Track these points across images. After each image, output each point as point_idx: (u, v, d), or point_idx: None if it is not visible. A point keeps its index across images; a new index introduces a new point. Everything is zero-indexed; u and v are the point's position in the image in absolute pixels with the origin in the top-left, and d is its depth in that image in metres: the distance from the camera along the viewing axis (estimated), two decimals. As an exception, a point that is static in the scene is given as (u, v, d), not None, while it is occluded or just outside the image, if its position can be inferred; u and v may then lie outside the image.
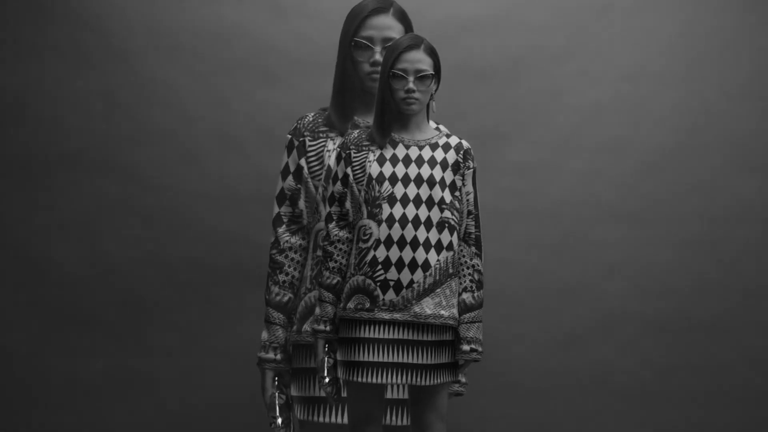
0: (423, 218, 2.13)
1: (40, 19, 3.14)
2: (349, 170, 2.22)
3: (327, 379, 2.13)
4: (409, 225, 2.11)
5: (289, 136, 2.21)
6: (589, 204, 3.02)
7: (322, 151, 2.18)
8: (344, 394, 2.21)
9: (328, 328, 2.20)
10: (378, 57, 2.14)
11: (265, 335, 2.17)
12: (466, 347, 2.18)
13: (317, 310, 2.18)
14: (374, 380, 2.06)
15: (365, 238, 2.14)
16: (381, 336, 2.10)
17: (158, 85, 3.14)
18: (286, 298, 2.20)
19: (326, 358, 2.19)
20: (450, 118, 2.66)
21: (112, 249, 3.09)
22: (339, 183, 2.21)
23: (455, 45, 3.11)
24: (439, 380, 2.12)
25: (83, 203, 2.95)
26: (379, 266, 2.10)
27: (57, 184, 3.11)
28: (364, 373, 2.08)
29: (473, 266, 2.27)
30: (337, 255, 2.24)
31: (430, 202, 2.14)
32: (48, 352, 3.09)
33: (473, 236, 2.28)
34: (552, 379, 3.13)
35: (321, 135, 2.19)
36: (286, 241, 2.22)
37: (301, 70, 3.05)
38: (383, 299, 2.09)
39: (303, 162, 2.20)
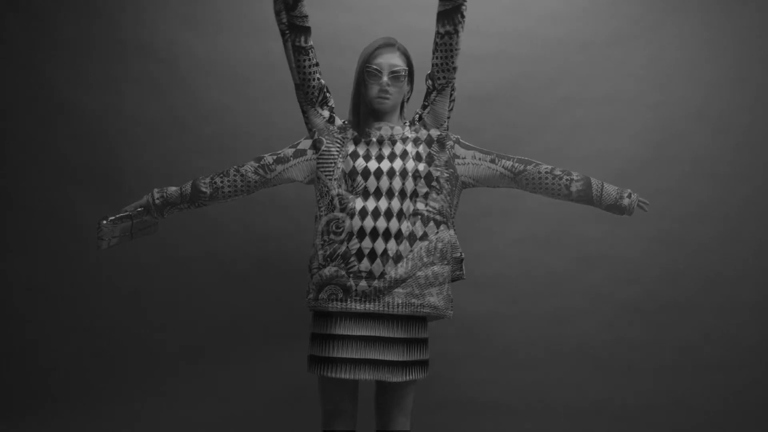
0: (395, 211, 2.01)
1: (119, 53, 3.27)
2: (311, 153, 2.13)
3: (105, 222, 2.05)
4: (381, 218, 2.00)
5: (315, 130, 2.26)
6: (574, 206, 3.06)
7: (337, 156, 2.17)
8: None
9: (156, 196, 2.15)
10: (385, 80, 2.14)
11: (172, 188, 2.27)
12: (626, 201, 2.09)
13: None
14: (345, 376, 1.96)
15: (338, 230, 2.01)
16: (353, 333, 1.97)
17: (216, 107, 3.27)
18: (204, 188, 2.23)
19: (127, 213, 2.11)
20: (460, 133, 2.64)
21: (178, 243, 3.23)
22: (292, 151, 2.15)
23: (463, 75, 3.05)
24: (409, 377, 2.00)
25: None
26: (352, 257, 1.99)
27: (130, 190, 3.18)
28: (336, 368, 1.96)
29: (545, 171, 2.11)
30: (228, 181, 2.14)
31: (402, 195, 2.02)
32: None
33: (516, 163, 2.12)
34: (541, 351, 3.29)
35: (337, 140, 2.20)
36: (246, 171, 2.23)
37: (333, 95, 2.82)
38: (356, 290, 1.98)
39: (311, 153, 2.22)
